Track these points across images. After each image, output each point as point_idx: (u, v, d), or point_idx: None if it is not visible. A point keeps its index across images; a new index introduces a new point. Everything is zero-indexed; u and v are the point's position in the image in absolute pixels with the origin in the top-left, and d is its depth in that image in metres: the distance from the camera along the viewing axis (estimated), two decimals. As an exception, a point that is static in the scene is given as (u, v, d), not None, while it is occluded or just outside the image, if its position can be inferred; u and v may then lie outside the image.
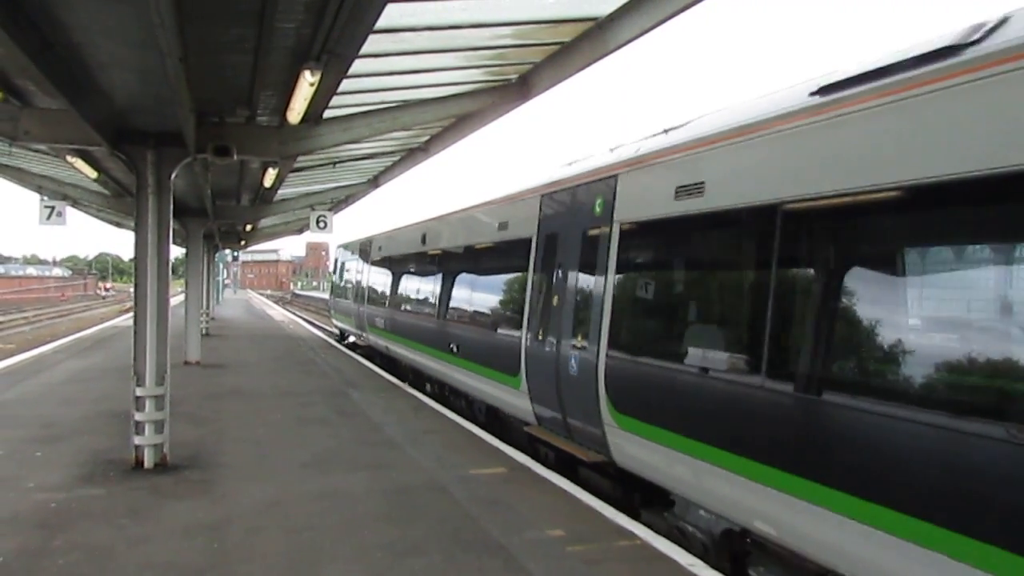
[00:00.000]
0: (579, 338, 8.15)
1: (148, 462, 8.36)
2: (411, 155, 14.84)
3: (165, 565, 5.68)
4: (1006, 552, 3.70)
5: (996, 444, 3.82)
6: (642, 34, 6.81)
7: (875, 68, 4.97)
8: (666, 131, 7.63)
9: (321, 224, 18.52)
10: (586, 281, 8.25)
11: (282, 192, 17.69)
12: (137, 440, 8.37)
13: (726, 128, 6.30)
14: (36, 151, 11.89)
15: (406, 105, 9.57)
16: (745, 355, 5.77)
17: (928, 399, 4.28)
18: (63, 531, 6.35)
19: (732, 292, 6.38)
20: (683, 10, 6.31)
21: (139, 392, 8.35)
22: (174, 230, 9.14)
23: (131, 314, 9.16)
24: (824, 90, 5.37)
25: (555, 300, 8.89)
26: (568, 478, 8.45)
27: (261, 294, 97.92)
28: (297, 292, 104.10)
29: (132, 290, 8.72)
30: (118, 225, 26.08)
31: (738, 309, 6.19)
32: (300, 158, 11.44)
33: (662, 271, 7.43)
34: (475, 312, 12.21)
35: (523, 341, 9.61)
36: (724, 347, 6.11)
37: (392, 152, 14.86)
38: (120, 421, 9.92)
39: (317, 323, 39.90)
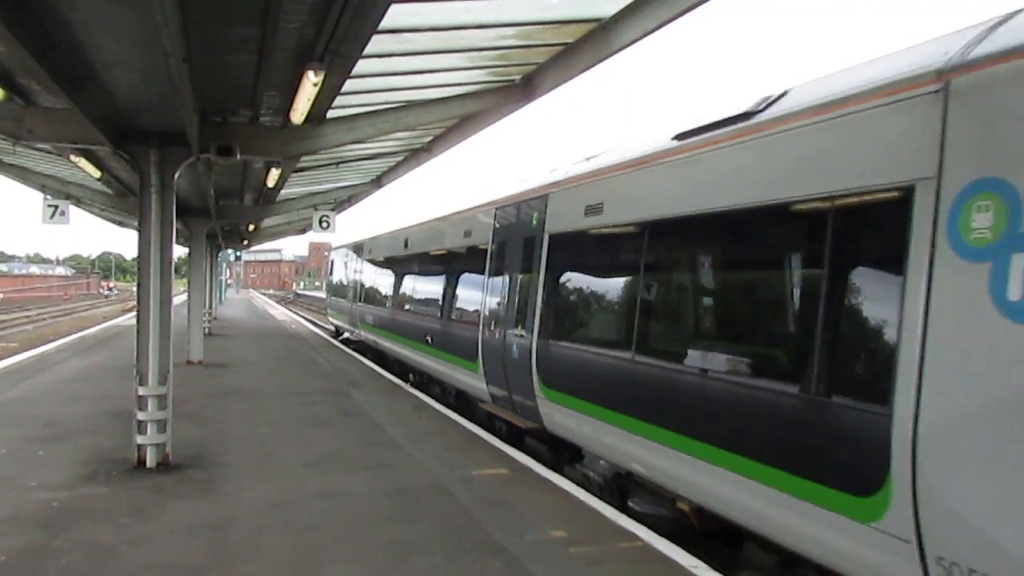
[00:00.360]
0: (519, 328, 9.87)
1: (150, 461, 8.37)
2: (414, 155, 14.84)
3: (167, 564, 5.69)
4: (743, 457, 5.57)
5: (695, 376, 6.27)
6: (646, 35, 6.80)
7: (707, 123, 6.63)
8: (587, 159, 9.20)
9: (324, 224, 18.51)
10: (525, 281, 9.97)
11: (285, 192, 17.69)
12: (139, 439, 8.37)
13: (617, 161, 8.09)
14: (40, 150, 11.90)
15: (410, 105, 9.56)
16: (623, 337, 7.61)
17: (698, 363, 6.32)
18: (65, 530, 6.36)
19: (617, 289, 8.24)
20: (686, 11, 6.30)
21: (142, 391, 8.36)
22: (177, 229, 9.13)
23: (134, 313, 9.17)
24: (679, 136, 6.97)
25: (503, 297, 10.65)
26: (516, 447, 9.86)
27: (264, 294, 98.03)
28: (299, 292, 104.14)
29: (135, 289, 8.73)
30: (121, 224, 26.12)
31: (620, 302, 8.05)
32: (303, 158, 11.44)
33: (575, 273, 9.15)
34: (445, 308, 13.66)
35: (480, 332, 11.25)
36: (612, 332, 8.09)
37: (395, 152, 14.86)
38: (122, 420, 9.94)
39: (319, 323, 39.90)
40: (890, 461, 4.35)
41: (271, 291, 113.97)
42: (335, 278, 28.30)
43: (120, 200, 16.77)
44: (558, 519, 6.88)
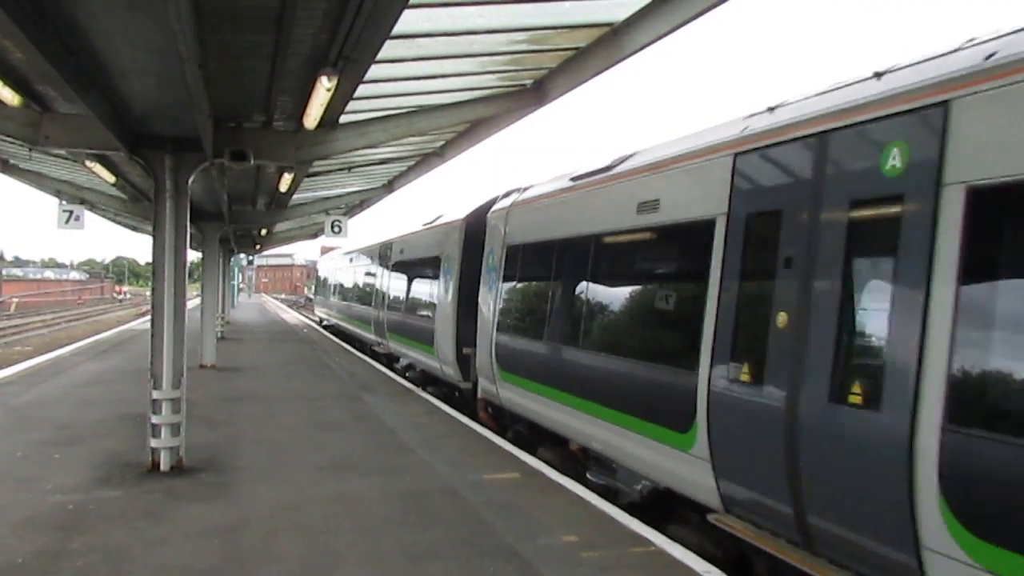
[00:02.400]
0: (383, 307, 20.70)
1: (164, 465, 8.41)
2: (426, 160, 14.88)
3: (181, 567, 5.72)
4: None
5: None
6: (658, 39, 6.79)
7: (426, 221, 17.79)
8: (413, 228, 19.08)
9: (336, 229, 18.59)
10: (384, 284, 21.03)
11: (297, 197, 17.76)
12: (153, 443, 8.42)
13: (405, 231, 19.68)
14: (55, 155, 12.00)
15: (422, 110, 9.59)
16: (401, 304, 18.67)
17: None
18: (80, 533, 6.40)
19: (401, 286, 18.88)
20: (699, 15, 6.29)
21: (156, 395, 8.40)
22: (191, 234, 9.19)
23: (147, 317, 9.23)
24: (425, 223, 17.57)
25: (379, 292, 21.58)
26: (390, 369, 19.28)
27: (275, 298, 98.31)
28: (311, 296, 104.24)
29: (148, 294, 8.78)
30: (135, 229, 26.30)
31: (401, 292, 18.86)
32: (315, 163, 11.50)
33: (395, 281, 19.61)
34: (364, 300, 24.44)
35: (371, 311, 22.46)
36: (400, 303, 18.85)
37: (407, 157, 14.91)
38: (137, 424, 10.00)
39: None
40: (434, 335, 14.81)
41: (283, 295, 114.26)
42: (319, 281, 42.19)
43: (134, 205, 16.90)
44: (570, 524, 6.88)
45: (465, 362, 13.34)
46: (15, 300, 65.54)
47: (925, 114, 4.76)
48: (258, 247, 37.42)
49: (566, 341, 9.10)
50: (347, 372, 18.18)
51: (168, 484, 7.95)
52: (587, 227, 8.79)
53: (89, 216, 16.69)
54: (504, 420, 11.58)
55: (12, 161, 13.96)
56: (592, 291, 8.82)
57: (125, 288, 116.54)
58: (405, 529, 6.67)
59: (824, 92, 5.86)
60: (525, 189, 11.44)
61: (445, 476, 8.50)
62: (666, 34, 6.64)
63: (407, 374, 17.83)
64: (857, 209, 5.17)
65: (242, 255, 47.89)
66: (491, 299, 11.64)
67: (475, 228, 13.29)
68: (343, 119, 8.90)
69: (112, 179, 13.01)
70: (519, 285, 10.96)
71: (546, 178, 10.93)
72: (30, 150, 10.32)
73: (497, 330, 11.16)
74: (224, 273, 30.66)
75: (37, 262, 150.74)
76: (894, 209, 4.87)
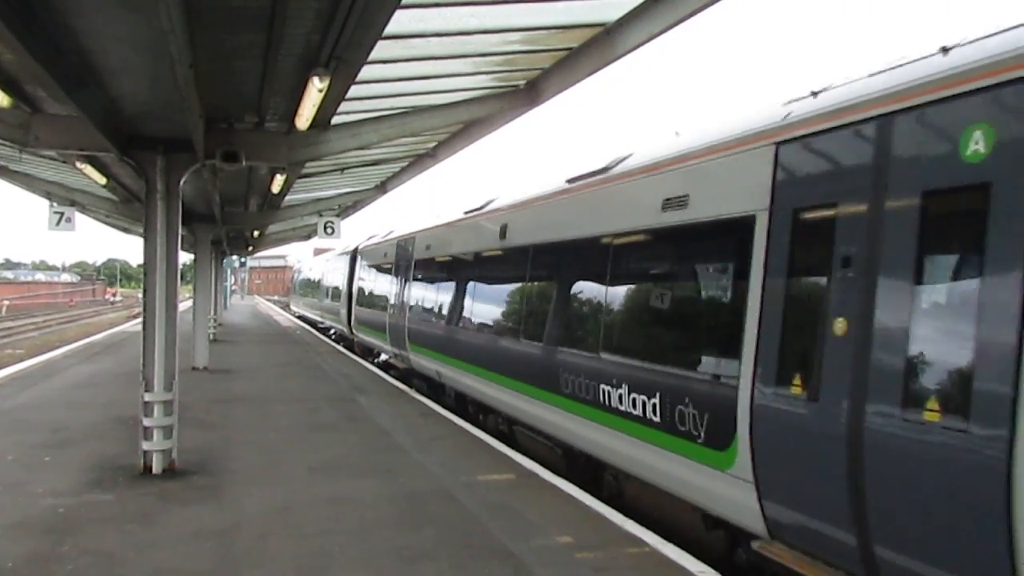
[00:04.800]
0: (325, 298, 33.29)
1: (156, 467, 8.37)
2: (419, 161, 14.84)
3: (174, 571, 5.69)
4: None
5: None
6: (650, 39, 6.79)
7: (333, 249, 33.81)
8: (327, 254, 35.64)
9: (328, 230, 18.53)
10: (324, 284, 34.03)
11: (290, 198, 17.72)
12: (145, 445, 8.37)
13: (332, 254, 34.03)
14: (46, 157, 11.92)
15: (415, 111, 9.57)
16: (315, 296, 37.84)
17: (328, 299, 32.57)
18: (72, 536, 6.36)
19: (334, 286, 29.93)
20: (691, 15, 6.29)
21: (148, 397, 8.36)
22: (182, 236, 9.14)
23: (139, 320, 9.19)
24: (344, 248, 29.65)
25: (322, 288, 34.65)
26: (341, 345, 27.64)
27: (268, 300, 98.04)
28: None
29: (139, 296, 8.75)
30: (126, 231, 26.15)
31: (334, 288, 30.14)
32: (308, 164, 11.46)
33: (329, 283, 32.07)
34: (316, 295, 37.14)
35: (318, 301, 36.87)
36: (330, 295, 31.37)
37: (400, 158, 14.87)
38: (128, 426, 9.94)
39: (323, 328, 39.91)
40: (339, 311, 27.88)
41: (276, 297, 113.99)
42: (295, 284, 54.46)
43: (125, 207, 16.79)
44: (564, 524, 6.87)
45: (351, 324, 24.62)
46: (6, 302, 65.15)
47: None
48: (251, 249, 37.28)
49: (374, 308, 20.25)
50: (340, 374, 18.12)
51: (160, 487, 7.91)
52: (380, 261, 20.31)
53: (80, 218, 16.61)
54: (367, 352, 23.01)
55: (2, 163, 13.87)
56: (379, 287, 20.04)
57: (114, 291, 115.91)
58: (399, 531, 6.65)
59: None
60: (371, 237, 23.42)
61: (439, 477, 8.48)
62: (658, 34, 6.64)
63: (332, 336, 30.75)
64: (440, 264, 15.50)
65: (234, 257, 47.79)
66: (354, 291, 24.14)
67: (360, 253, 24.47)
68: (335, 120, 8.87)
69: (103, 181, 12.93)
70: (362, 285, 22.89)
71: (382, 231, 22.28)
72: (20, 151, 10.25)
73: (355, 305, 23.71)
74: (216, 275, 30.54)
75: (28, 264, 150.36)
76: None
